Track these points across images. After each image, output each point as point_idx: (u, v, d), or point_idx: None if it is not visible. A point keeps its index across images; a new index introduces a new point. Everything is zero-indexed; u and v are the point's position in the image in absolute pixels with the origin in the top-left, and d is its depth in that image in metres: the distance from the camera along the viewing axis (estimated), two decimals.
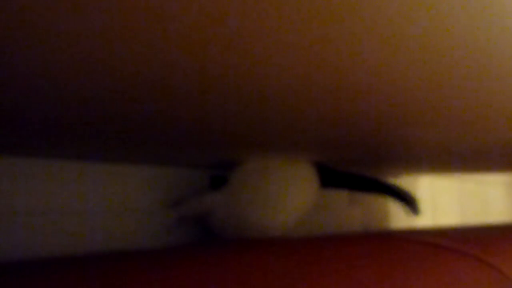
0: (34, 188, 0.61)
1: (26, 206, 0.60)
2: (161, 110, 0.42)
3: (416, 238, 0.54)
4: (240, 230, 0.67)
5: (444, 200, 1.44)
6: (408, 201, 0.80)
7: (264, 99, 0.40)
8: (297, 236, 0.64)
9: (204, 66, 0.32)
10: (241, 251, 0.45)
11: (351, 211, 0.98)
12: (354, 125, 0.51)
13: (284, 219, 0.68)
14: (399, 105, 0.44)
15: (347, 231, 0.82)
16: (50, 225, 0.62)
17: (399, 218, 1.21)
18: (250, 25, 0.26)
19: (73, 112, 0.41)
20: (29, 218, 0.61)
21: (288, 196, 0.68)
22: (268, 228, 0.67)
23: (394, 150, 0.73)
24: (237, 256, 0.42)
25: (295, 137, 0.57)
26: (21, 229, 0.60)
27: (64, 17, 0.23)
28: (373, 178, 0.79)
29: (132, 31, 0.26)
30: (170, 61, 0.31)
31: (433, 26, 0.28)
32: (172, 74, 0.33)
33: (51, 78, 0.32)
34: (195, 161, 0.74)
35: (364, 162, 0.86)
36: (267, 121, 0.47)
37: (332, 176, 0.76)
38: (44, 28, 0.25)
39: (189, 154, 0.68)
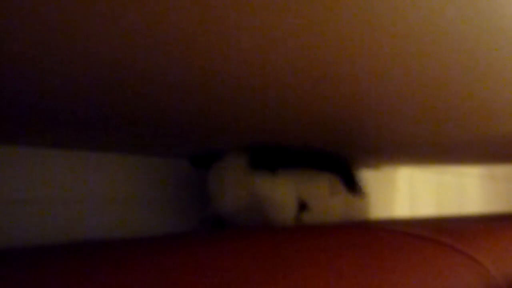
0: (22, 176, 0.60)
1: (13, 194, 0.59)
2: (150, 99, 0.41)
3: (394, 229, 0.54)
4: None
5: (422, 191, 1.46)
6: (350, 180, 0.76)
7: (249, 88, 0.39)
8: (275, 227, 0.64)
9: (202, 60, 0.32)
10: (219, 242, 0.45)
11: (331, 202, 0.98)
12: (334, 115, 0.51)
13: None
14: (379, 97, 0.45)
15: (326, 222, 0.83)
16: (39, 214, 0.61)
17: (378, 209, 1.23)
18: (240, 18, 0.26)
19: (63, 102, 0.40)
20: (19, 207, 0.60)
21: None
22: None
23: (373, 141, 0.74)
24: (216, 247, 0.42)
25: (274, 126, 0.57)
26: (13, 217, 0.59)
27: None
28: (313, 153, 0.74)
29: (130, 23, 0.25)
30: (165, 53, 0.30)
31: (417, 17, 0.28)
32: (161, 66, 0.32)
33: (44, 70, 0.31)
34: (181, 150, 0.74)
35: (342, 153, 0.87)
36: (251, 109, 0.47)
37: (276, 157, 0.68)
38: (43, 22, 0.24)
39: (174, 143, 0.68)
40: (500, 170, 1.95)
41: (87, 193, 0.67)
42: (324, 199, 0.77)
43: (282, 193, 0.68)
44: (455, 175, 1.63)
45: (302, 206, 0.71)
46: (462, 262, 0.46)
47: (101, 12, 0.24)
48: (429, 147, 0.84)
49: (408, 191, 1.39)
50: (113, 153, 0.70)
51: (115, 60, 0.31)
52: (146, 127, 0.53)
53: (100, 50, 0.29)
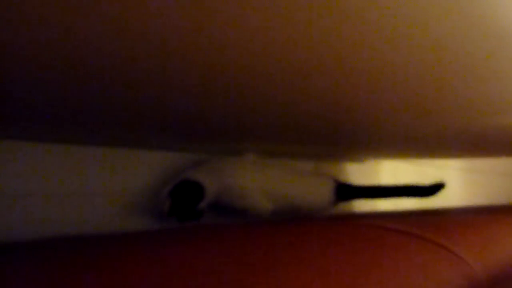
0: (23, 170, 0.60)
1: (13, 188, 0.59)
2: (148, 97, 0.40)
3: (377, 224, 0.54)
4: None
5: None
6: (424, 192, 0.86)
7: (236, 85, 0.39)
8: (261, 223, 0.64)
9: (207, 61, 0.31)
10: (204, 238, 0.44)
11: None
12: (318, 111, 0.51)
13: None
14: (364, 93, 0.44)
15: (310, 216, 0.83)
16: (39, 208, 0.61)
17: (361, 201, 1.24)
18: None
19: (63, 100, 0.40)
20: (25, 200, 0.60)
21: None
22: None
23: (358, 136, 0.74)
24: (199, 244, 0.41)
25: (260, 123, 0.56)
26: (13, 211, 0.59)
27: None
28: (383, 186, 0.88)
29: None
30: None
31: (404, 18, 0.28)
32: (160, 64, 0.31)
33: (46, 69, 0.31)
34: (184, 146, 0.75)
35: (329, 147, 0.87)
36: (239, 106, 0.46)
37: (349, 190, 0.84)
38: (45, 24, 0.24)
39: (175, 140, 0.68)
40: (481, 163, 1.99)
41: (88, 187, 0.67)
42: None
43: None
44: (437, 168, 1.66)
45: None
46: (443, 256, 0.47)
47: (102, 12, 0.24)
48: (412, 141, 0.85)
49: (392, 184, 1.40)
50: (114, 148, 0.70)
51: (115, 59, 0.30)
52: (145, 123, 0.53)
53: (101, 50, 0.29)
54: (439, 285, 0.42)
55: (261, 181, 0.73)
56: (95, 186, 0.67)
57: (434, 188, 0.86)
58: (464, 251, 0.50)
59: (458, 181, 1.81)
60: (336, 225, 0.55)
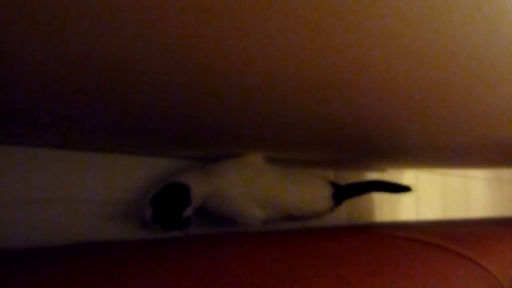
0: (24, 176, 0.60)
1: (15, 194, 0.59)
2: (149, 102, 0.41)
3: (401, 235, 0.54)
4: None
5: (427, 193, 1.45)
6: (398, 189, 0.88)
7: (253, 90, 0.39)
8: (282, 230, 0.64)
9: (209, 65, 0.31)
10: (225, 246, 0.45)
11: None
12: (339, 121, 0.51)
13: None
14: (384, 102, 0.44)
15: (332, 225, 0.83)
16: (41, 214, 0.61)
17: (382, 211, 1.22)
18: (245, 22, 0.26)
19: (64, 104, 0.40)
20: (27, 207, 0.60)
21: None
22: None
23: (378, 146, 0.73)
24: (221, 251, 0.42)
25: (280, 131, 0.56)
26: (14, 217, 0.59)
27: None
28: (371, 180, 0.88)
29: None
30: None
31: (423, 24, 0.28)
32: (161, 66, 0.32)
33: (46, 72, 0.31)
34: (185, 153, 0.74)
35: (349, 155, 0.87)
36: (256, 113, 0.47)
37: (343, 191, 0.82)
38: (44, 26, 0.24)
39: (177, 146, 0.67)
40: (506, 173, 1.94)
41: (89, 193, 0.66)
42: None
43: None
44: (461, 178, 1.62)
45: None
46: (470, 269, 0.46)
47: (101, 13, 0.24)
48: (435, 151, 0.84)
49: (414, 194, 1.38)
50: (115, 154, 0.69)
51: (115, 61, 0.31)
52: (144, 128, 0.53)
53: (100, 52, 0.29)
54: None
55: (254, 187, 0.68)
56: (89, 192, 0.66)
57: (404, 188, 0.89)
58: (490, 264, 0.48)
59: (482, 192, 1.77)
60: (358, 234, 0.54)
